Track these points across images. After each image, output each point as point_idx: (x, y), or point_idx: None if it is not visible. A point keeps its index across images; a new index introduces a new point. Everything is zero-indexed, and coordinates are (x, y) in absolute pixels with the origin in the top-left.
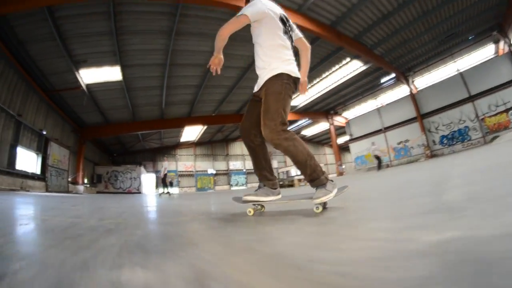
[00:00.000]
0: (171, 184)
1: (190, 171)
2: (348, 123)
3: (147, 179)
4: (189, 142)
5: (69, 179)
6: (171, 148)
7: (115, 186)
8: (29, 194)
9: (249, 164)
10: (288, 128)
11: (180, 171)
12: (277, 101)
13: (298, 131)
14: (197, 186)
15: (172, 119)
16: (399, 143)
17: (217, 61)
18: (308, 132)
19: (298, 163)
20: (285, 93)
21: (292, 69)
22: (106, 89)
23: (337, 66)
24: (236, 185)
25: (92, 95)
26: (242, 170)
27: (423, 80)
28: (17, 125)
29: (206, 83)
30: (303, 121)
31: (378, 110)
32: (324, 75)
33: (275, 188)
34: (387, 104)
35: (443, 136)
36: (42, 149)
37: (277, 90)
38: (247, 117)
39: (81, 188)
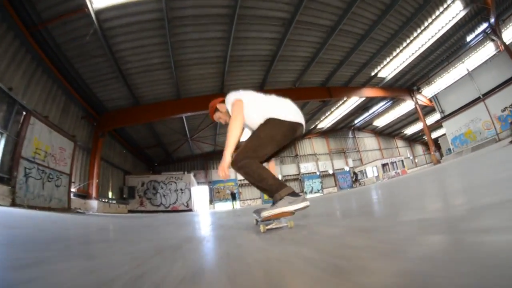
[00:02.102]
0: (234, 197)
1: None
2: (435, 98)
3: (199, 192)
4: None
5: (73, 189)
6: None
7: (153, 202)
8: None
9: (323, 166)
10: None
11: (240, 180)
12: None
13: (370, 121)
14: (264, 198)
15: None
16: (503, 110)
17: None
18: (380, 122)
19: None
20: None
21: None
22: (135, 23)
23: (427, 22)
24: (311, 191)
25: (107, 36)
26: (315, 173)
27: None
28: None
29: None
30: (382, 105)
31: (470, 74)
32: (405, 42)
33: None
34: (478, 67)
35: None
36: (9, 126)
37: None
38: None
39: (93, 204)
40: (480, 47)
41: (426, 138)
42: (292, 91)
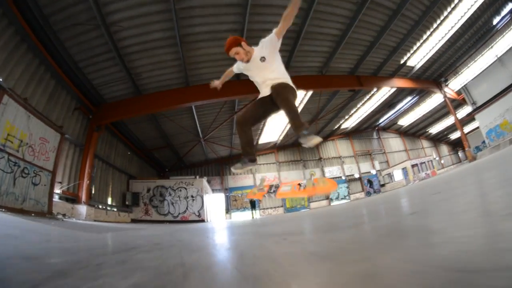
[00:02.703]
0: (253, 205)
1: (275, 185)
2: (465, 89)
3: (214, 200)
4: (268, 145)
5: (58, 190)
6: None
7: (160, 210)
8: None
9: (349, 169)
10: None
11: (260, 188)
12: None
13: (394, 121)
14: (286, 206)
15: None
16: None
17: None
18: (404, 121)
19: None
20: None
21: None
22: None
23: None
24: (337, 198)
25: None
26: (341, 177)
27: None
28: None
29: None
30: (408, 101)
31: (500, 60)
32: (434, 25)
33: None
34: (508, 50)
35: None
36: None
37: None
38: (252, 111)
39: (82, 209)
40: (508, 30)
41: (451, 138)
42: (320, 78)
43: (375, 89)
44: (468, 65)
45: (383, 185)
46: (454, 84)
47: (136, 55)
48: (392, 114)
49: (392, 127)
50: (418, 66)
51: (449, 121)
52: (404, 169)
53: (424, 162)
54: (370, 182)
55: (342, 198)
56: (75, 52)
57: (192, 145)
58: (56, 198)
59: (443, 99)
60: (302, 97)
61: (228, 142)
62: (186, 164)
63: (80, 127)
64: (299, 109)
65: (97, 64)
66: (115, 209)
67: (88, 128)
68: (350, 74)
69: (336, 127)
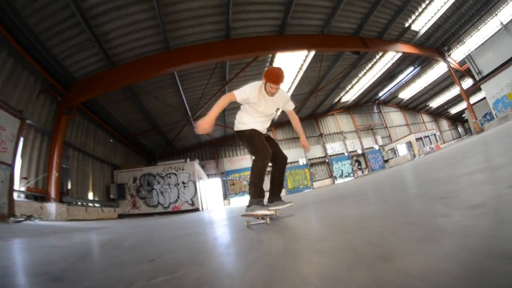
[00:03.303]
0: None
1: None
2: (470, 58)
3: (210, 186)
4: None
5: (23, 187)
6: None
7: (149, 202)
8: None
9: (352, 145)
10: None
11: None
12: None
13: (395, 94)
14: (288, 187)
15: (248, 39)
16: None
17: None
18: (405, 94)
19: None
20: None
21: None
22: None
23: None
24: (341, 176)
25: None
26: (343, 154)
27: None
28: None
29: None
30: (410, 72)
31: (506, 28)
32: None
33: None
34: None
35: None
36: None
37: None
38: (270, 146)
39: (51, 208)
40: None
41: (451, 112)
42: (322, 38)
43: (377, 56)
44: (471, 34)
45: (386, 161)
46: (457, 54)
47: (104, 17)
48: (393, 87)
49: (392, 101)
50: (422, 32)
51: (450, 94)
52: (408, 143)
53: (428, 136)
54: (358, 162)
55: (346, 176)
56: (34, 22)
57: (182, 125)
58: (21, 197)
59: (445, 70)
60: (301, 63)
61: (221, 120)
62: (178, 149)
63: (48, 112)
64: (298, 78)
65: (60, 34)
66: (98, 205)
67: (58, 113)
68: (354, 35)
69: (336, 100)
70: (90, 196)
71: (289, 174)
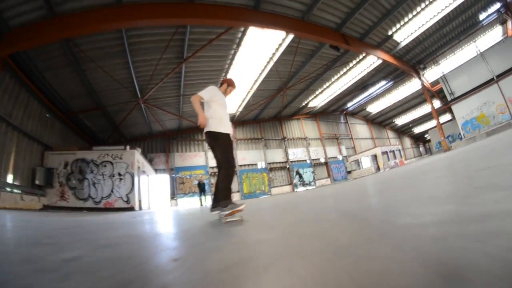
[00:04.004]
0: (202, 189)
1: None
2: (444, 79)
3: (155, 183)
4: None
5: None
6: (195, 131)
7: (79, 193)
8: None
9: (315, 152)
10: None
11: (213, 167)
12: None
13: (363, 106)
14: (243, 191)
15: (217, 6)
16: None
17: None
18: (373, 108)
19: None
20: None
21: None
22: None
23: None
24: (302, 184)
25: None
26: (305, 161)
27: None
28: None
29: None
30: (382, 86)
31: (482, 55)
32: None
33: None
34: (491, 47)
35: None
36: None
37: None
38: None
39: None
40: (494, 27)
41: (414, 131)
42: (301, 23)
43: (354, 62)
44: (447, 57)
45: (349, 172)
46: (430, 75)
47: None
48: (363, 99)
49: (360, 113)
50: (402, 44)
51: (416, 113)
52: (373, 156)
53: (393, 151)
54: (298, 174)
55: (306, 184)
56: None
57: (130, 108)
58: None
59: (416, 88)
60: (273, 52)
61: (175, 108)
62: (127, 137)
63: None
64: (267, 69)
65: None
66: (18, 191)
67: None
68: (336, 30)
69: (304, 104)
70: (9, 178)
71: (245, 177)
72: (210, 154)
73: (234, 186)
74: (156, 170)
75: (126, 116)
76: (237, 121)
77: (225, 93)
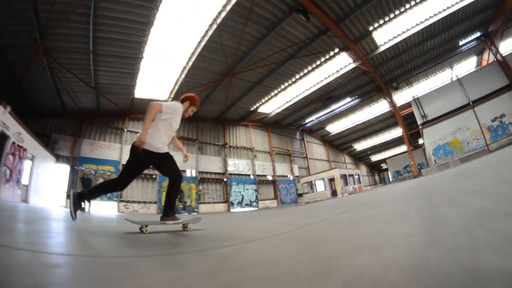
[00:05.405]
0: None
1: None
2: (417, 101)
3: (52, 173)
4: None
5: None
6: (115, 116)
7: None
8: None
9: (261, 167)
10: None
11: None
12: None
13: (323, 124)
14: (161, 202)
15: None
16: (493, 120)
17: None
18: (334, 127)
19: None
20: None
21: None
22: None
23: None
24: (240, 203)
25: None
26: (249, 176)
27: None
28: None
29: None
30: (348, 102)
31: (459, 81)
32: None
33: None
34: (468, 74)
35: None
36: None
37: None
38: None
39: None
40: (469, 56)
41: (371, 159)
42: None
43: (323, 59)
44: (420, 81)
45: (300, 195)
46: (400, 98)
47: None
48: (324, 115)
49: (318, 132)
50: (381, 49)
51: (377, 139)
52: (331, 179)
53: (353, 175)
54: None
55: (247, 204)
56: None
57: (30, 56)
58: None
59: (383, 111)
60: (219, 9)
61: (86, 74)
62: (36, 106)
63: None
64: (209, 34)
65: None
66: None
67: None
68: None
69: (254, 107)
70: None
71: (166, 186)
72: (128, 148)
73: (152, 195)
74: (58, 158)
75: (26, 71)
76: None
77: (185, 112)
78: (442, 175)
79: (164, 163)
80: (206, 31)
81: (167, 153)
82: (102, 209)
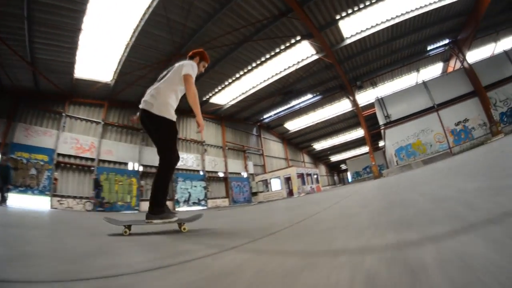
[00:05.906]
0: (6, 178)
1: (87, 158)
2: (381, 101)
3: None
4: (93, 86)
5: None
6: (56, 98)
7: None
8: None
9: (212, 163)
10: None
11: (63, 155)
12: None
13: (281, 121)
14: (95, 197)
15: None
16: (457, 124)
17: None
18: (293, 125)
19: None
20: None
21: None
22: None
23: None
24: (187, 201)
25: None
26: (198, 172)
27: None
28: None
29: None
30: (308, 99)
31: (425, 84)
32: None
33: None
34: (434, 78)
35: (502, 114)
36: None
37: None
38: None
39: None
40: (436, 62)
41: (331, 159)
42: None
43: (283, 46)
44: (385, 82)
45: (255, 194)
46: (362, 98)
47: None
48: (283, 111)
49: (276, 129)
50: (346, 42)
51: (337, 139)
52: (287, 178)
53: (311, 174)
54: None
55: (194, 203)
56: None
57: None
58: None
59: (345, 110)
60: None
61: (22, 46)
62: None
63: None
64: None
65: None
66: None
67: None
68: None
69: (207, 96)
70: None
71: (105, 179)
72: (66, 134)
73: (83, 183)
74: None
75: None
76: (111, 98)
77: (197, 69)
78: (400, 176)
79: (169, 134)
80: (151, 2)
81: (175, 126)
82: (31, 204)
